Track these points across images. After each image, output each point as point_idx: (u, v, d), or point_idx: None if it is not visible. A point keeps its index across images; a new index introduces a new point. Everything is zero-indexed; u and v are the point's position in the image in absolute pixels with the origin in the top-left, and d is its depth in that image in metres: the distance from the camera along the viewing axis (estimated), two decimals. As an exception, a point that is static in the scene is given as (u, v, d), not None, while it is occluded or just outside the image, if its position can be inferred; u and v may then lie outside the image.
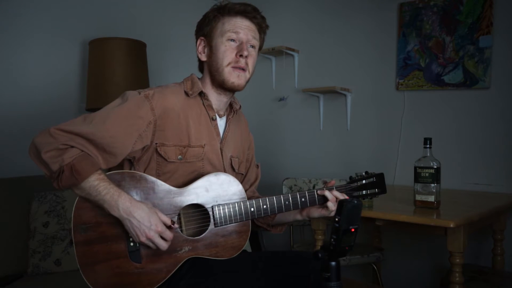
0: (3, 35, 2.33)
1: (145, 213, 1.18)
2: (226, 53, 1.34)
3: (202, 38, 1.40)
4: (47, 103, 2.45)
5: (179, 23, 3.07)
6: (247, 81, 1.40)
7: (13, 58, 2.36)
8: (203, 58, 1.41)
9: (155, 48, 2.82)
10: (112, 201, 1.16)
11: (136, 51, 2.43)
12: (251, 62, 1.38)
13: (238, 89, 1.38)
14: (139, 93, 1.29)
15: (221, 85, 1.37)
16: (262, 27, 1.41)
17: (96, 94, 2.34)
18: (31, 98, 2.40)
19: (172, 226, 1.21)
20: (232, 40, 1.35)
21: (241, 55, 1.34)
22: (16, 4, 2.36)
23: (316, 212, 1.40)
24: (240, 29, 1.35)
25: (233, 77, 1.35)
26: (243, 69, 1.36)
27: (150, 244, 1.18)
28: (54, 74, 2.50)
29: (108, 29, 2.61)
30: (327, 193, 1.34)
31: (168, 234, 1.20)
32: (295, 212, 1.43)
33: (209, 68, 1.39)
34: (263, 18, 1.41)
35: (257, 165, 1.62)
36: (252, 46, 1.38)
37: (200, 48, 1.41)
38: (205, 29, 1.39)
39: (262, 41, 1.45)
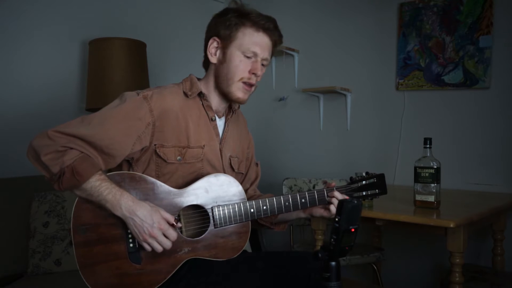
0: (3, 35, 2.33)
1: (147, 211, 1.18)
2: (240, 67, 1.33)
3: (217, 39, 1.36)
4: (47, 103, 2.45)
5: (179, 23, 3.07)
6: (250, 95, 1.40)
7: (13, 58, 2.36)
8: (213, 60, 1.38)
9: (155, 48, 2.82)
10: (115, 200, 1.17)
11: (136, 51, 2.42)
12: (260, 78, 1.38)
13: (241, 103, 1.39)
14: (138, 94, 1.29)
15: (225, 96, 1.38)
16: (276, 44, 1.40)
17: (96, 94, 2.34)
18: (31, 98, 2.40)
19: (175, 224, 1.21)
20: (249, 57, 1.34)
21: (254, 73, 1.34)
22: (16, 5, 2.36)
23: (318, 212, 1.41)
24: (259, 47, 1.34)
25: (240, 93, 1.35)
26: (252, 85, 1.36)
27: (154, 243, 1.18)
28: (54, 74, 2.50)
29: (108, 29, 2.61)
30: (334, 200, 1.34)
31: (172, 233, 1.20)
32: (298, 210, 1.43)
33: (217, 72, 1.38)
34: (280, 36, 1.40)
35: (257, 164, 1.62)
36: (263, 65, 1.38)
37: (212, 49, 1.38)
38: (223, 32, 1.34)
39: (272, 54, 1.44)
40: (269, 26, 1.34)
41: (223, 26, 1.34)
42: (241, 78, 1.34)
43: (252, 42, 1.33)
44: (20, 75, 2.38)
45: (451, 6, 2.51)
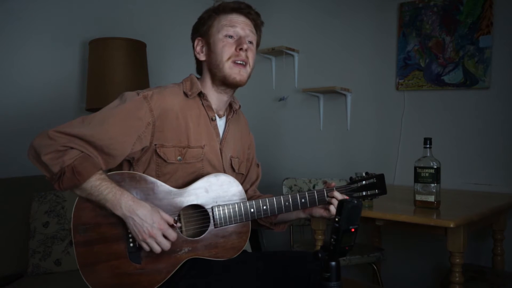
0: (3, 35, 2.33)
1: (147, 211, 1.18)
2: (225, 48, 1.34)
3: (199, 38, 1.41)
4: (47, 103, 2.45)
5: (179, 23, 3.07)
6: (249, 76, 1.39)
7: (13, 58, 2.36)
8: (202, 57, 1.40)
9: (155, 48, 2.82)
10: (115, 200, 1.17)
11: (136, 51, 2.42)
12: (251, 56, 1.37)
13: (240, 84, 1.37)
14: (138, 94, 1.29)
15: (223, 82, 1.36)
16: (257, 23, 1.42)
17: (96, 94, 2.34)
18: (32, 98, 2.40)
19: (175, 225, 1.21)
20: (230, 36, 1.35)
21: (241, 49, 1.33)
22: (16, 5, 2.36)
23: (317, 212, 1.41)
24: (237, 23, 1.35)
25: (235, 73, 1.34)
26: (244, 64, 1.35)
27: (153, 243, 1.18)
28: (54, 74, 2.50)
29: (108, 29, 2.61)
30: (334, 200, 1.34)
31: (171, 233, 1.20)
32: (298, 210, 1.43)
33: (208, 66, 1.39)
34: (257, 14, 1.41)
35: (258, 165, 1.62)
36: (250, 42, 1.38)
37: (198, 49, 1.41)
38: (202, 29, 1.39)
39: (259, 37, 1.44)
40: (239, 6, 1.37)
41: (200, 25, 1.41)
42: (230, 57, 1.34)
43: (228, 21, 1.36)
44: (20, 75, 2.38)
45: (451, 6, 2.51)
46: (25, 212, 2.04)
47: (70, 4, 2.56)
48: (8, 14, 2.34)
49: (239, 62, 1.34)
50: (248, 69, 1.37)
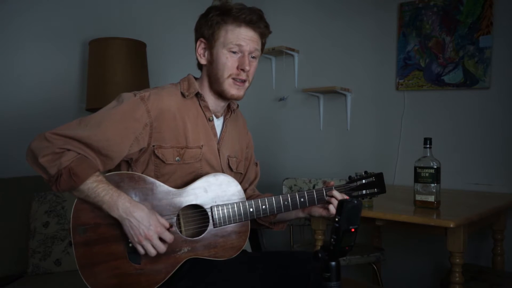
0: (3, 35, 2.33)
1: (144, 214, 1.18)
2: (227, 64, 1.32)
3: (203, 40, 1.37)
4: (47, 103, 2.45)
5: (179, 23, 3.07)
6: (246, 89, 1.39)
7: (13, 58, 2.36)
8: (203, 61, 1.39)
9: (155, 48, 2.82)
10: (112, 201, 1.17)
11: (136, 51, 2.42)
12: (251, 72, 1.37)
13: (237, 99, 1.38)
14: (135, 95, 1.28)
15: (220, 95, 1.37)
16: (264, 34, 1.39)
17: (96, 94, 2.34)
18: (31, 98, 2.40)
19: (170, 229, 1.21)
20: (234, 52, 1.33)
21: (242, 69, 1.33)
22: (16, 5, 2.36)
23: (317, 211, 1.41)
24: (243, 41, 1.32)
25: (233, 90, 1.34)
26: (243, 81, 1.35)
27: (148, 246, 1.18)
28: (54, 74, 2.50)
29: (108, 29, 2.61)
30: (333, 200, 1.34)
31: (168, 235, 1.20)
32: (297, 210, 1.43)
33: (208, 73, 1.39)
34: (266, 26, 1.37)
35: (256, 163, 1.62)
36: (254, 57, 1.37)
37: (200, 50, 1.39)
38: (206, 32, 1.35)
39: (263, 46, 1.42)
40: (251, 19, 1.32)
41: (206, 27, 1.35)
42: (230, 75, 1.33)
43: (235, 37, 1.31)
44: (20, 75, 2.38)
45: (451, 6, 2.51)
46: (25, 212, 2.04)
47: (70, 4, 2.56)
48: (8, 14, 2.34)
49: (238, 80, 1.34)
50: (247, 84, 1.37)
